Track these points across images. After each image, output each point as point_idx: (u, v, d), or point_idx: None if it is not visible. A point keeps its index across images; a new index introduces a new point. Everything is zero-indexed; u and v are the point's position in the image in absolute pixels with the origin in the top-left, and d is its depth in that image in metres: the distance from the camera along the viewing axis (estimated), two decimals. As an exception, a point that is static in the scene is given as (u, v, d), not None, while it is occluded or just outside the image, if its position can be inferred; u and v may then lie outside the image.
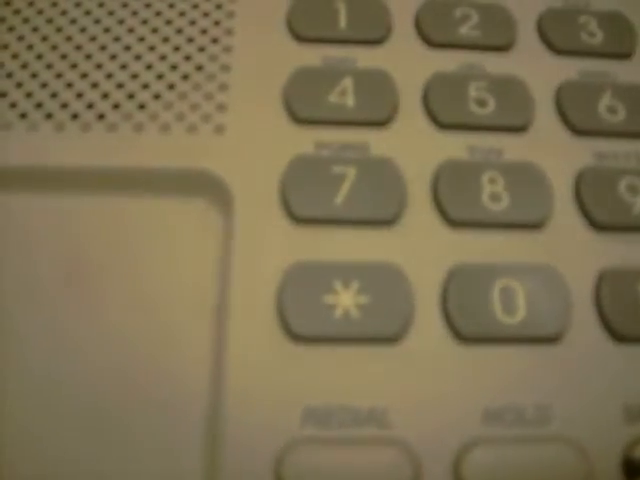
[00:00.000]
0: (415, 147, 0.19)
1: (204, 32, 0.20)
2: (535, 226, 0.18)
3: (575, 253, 0.18)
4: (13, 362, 0.16)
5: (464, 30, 0.20)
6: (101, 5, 0.20)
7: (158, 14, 0.20)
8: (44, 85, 0.19)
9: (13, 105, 0.19)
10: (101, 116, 0.18)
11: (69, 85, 0.19)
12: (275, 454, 0.15)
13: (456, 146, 0.19)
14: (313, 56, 0.20)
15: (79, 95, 0.19)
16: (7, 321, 0.17)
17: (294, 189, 0.18)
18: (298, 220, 0.17)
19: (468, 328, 0.16)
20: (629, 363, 0.17)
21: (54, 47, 0.19)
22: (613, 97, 0.20)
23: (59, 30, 0.20)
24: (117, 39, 0.20)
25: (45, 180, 0.18)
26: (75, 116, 0.18)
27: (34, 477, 0.16)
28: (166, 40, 0.20)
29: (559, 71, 0.20)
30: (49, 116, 0.18)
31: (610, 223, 0.18)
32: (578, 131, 0.19)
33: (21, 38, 0.20)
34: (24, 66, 0.19)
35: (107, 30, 0.20)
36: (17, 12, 0.20)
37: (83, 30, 0.20)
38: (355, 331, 0.16)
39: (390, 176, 0.18)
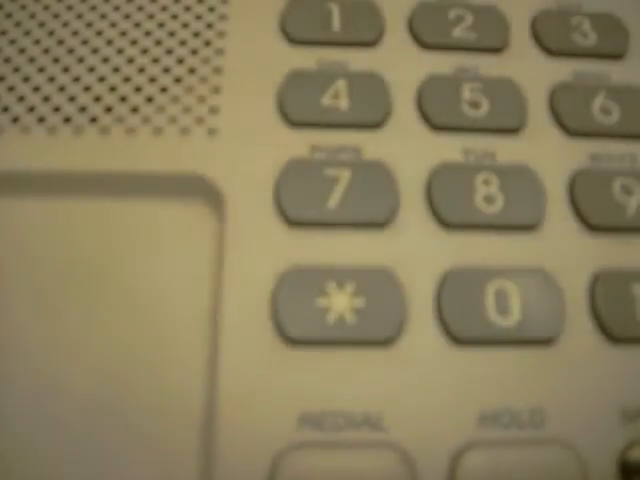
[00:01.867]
0: (409, 149, 0.19)
1: (197, 35, 0.20)
2: (529, 228, 0.18)
3: (569, 255, 0.18)
4: (8, 365, 0.16)
5: (458, 32, 0.20)
6: (93, 8, 0.20)
7: (150, 17, 0.20)
8: (36, 89, 0.19)
9: (5, 109, 0.18)
10: (93, 119, 0.18)
11: (61, 88, 0.19)
12: (270, 458, 0.15)
13: (450, 148, 0.19)
14: (306, 59, 0.20)
15: (71, 98, 0.19)
16: (4, 323, 0.17)
17: (287, 192, 0.18)
18: (292, 223, 0.17)
19: (462, 331, 0.16)
20: (624, 365, 0.17)
21: (46, 50, 0.19)
22: (607, 98, 0.20)
23: (51, 33, 0.20)
24: (109, 42, 0.20)
25: (37, 184, 0.18)
26: (67, 119, 0.18)
27: (29, 474, 0.16)
28: (159, 43, 0.20)
29: (553, 72, 0.20)
30: (41, 120, 0.18)
31: (604, 225, 0.18)
32: (572, 132, 0.19)
33: (13, 41, 0.20)
34: (16, 70, 0.19)
35: (99, 33, 0.20)
36: (9, 15, 0.20)
37: (75, 33, 0.20)
38: (349, 334, 0.16)
39: (384, 178, 0.18)
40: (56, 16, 0.20)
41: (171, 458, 0.16)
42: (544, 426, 0.16)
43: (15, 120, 0.18)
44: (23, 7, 0.20)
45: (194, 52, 0.19)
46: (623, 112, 0.20)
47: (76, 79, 0.19)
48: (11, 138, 0.18)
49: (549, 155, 0.19)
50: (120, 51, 0.19)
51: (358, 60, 0.20)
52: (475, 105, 0.19)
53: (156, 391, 0.16)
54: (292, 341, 0.16)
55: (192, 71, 0.19)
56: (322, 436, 0.15)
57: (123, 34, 0.20)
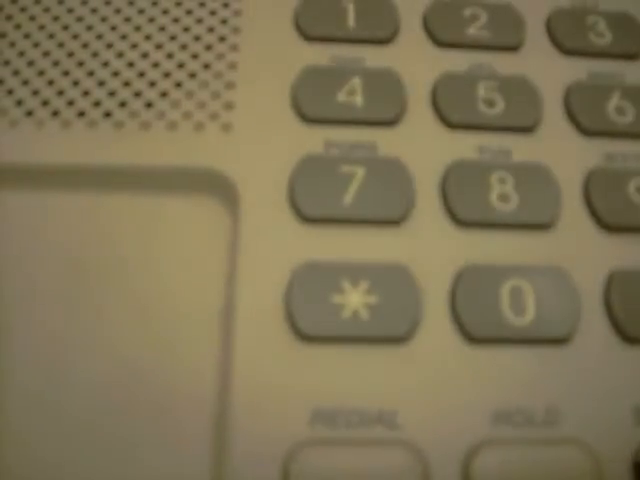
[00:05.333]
0: (424, 147, 0.18)
1: (211, 30, 0.20)
2: (544, 227, 0.18)
3: (584, 254, 0.18)
4: (14, 362, 0.16)
5: (473, 30, 0.20)
6: (108, 3, 0.20)
7: (165, 12, 0.20)
8: (50, 83, 0.19)
9: (19, 103, 0.18)
10: (108, 114, 0.18)
11: (75, 83, 0.19)
12: (283, 454, 0.15)
13: (465, 146, 0.19)
14: (321, 55, 0.20)
15: (85, 93, 0.19)
16: (6, 321, 0.17)
17: (302, 188, 0.17)
18: (306, 219, 0.17)
19: (477, 329, 0.16)
20: (639, 365, 0.17)
21: (60, 45, 0.19)
22: (622, 98, 0.20)
23: (66, 28, 0.20)
24: (124, 37, 0.20)
25: (51, 178, 0.18)
26: (81, 114, 0.18)
27: (38, 468, 0.16)
28: (173, 38, 0.20)
29: (568, 71, 0.20)
30: (55, 113, 0.18)
31: (619, 224, 0.18)
32: (587, 132, 0.19)
33: (27, 36, 0.20)
34: (30, 64, 0.19)
35: (114, 28, 0.20)
36: (24, 10, 0.20)
37: (90, 28, 0.20)
38: (364, 331, 0.16)
39: (399, 176, 0.18)
40: (70, 10, 0.20)
41: (183, 454, 0.16)
42: (558, 425, 0.16)
43: (29, 114, 0.18)
44: (37, 1, 0.20)
45: (208, 48, 0.19)
46: (638, 112, 0.19)
47: (90, 73, 0.19)
48: (25, 131, 0.18)
49: (564, 154, 0.19)
50: (134, 46, 0.19)
51: (373, 57, 0.20)
52: (490, 103, 0.19)
53: (168, 386, 0.16)
54: (306, 338, 0.16)
55: (207, 66, 0.19)
56: (335, 433, 0.15)
57: (137, 29, 0.20)
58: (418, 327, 0.16)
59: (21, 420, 0.16)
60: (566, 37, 0.21)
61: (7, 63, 0.19)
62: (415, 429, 0.16)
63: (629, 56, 0.21)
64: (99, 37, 0.20)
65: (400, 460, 0.15)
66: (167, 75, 0.19)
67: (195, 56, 0.19)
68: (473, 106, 0.19)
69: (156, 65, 0.19)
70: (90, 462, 0.16)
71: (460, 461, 0.15)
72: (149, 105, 0.19)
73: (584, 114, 0.19)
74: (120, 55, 0.19)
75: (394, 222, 0.17)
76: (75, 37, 0.20)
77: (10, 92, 0.19)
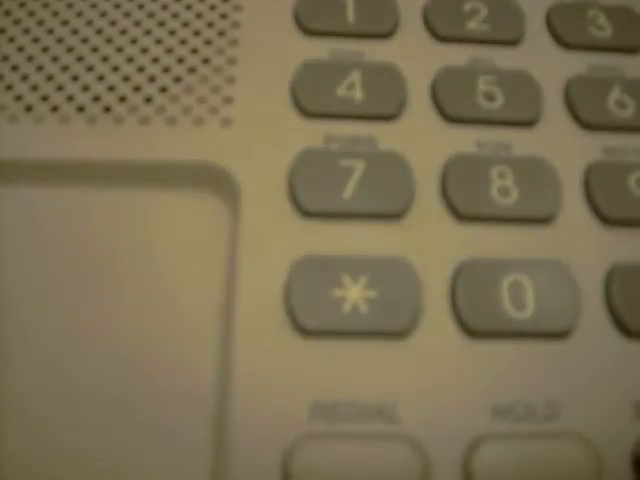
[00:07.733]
0: (423, 141, 0.18)
1: (211, 25, 0.20)
2: (544, 221, 0.18)
3: (585, 248, 0.18)
4: (12, 360, 0.16)
5: (473, 24, 0.20)
6: (107, -2, 0.20)
7: (164, 7, 0.20)
8: (50, 78, 0.19)
9: (18, 98, 0.18)
10: (107, 109, 0.18)
11: (75, 78, 0.19)
12: (283, 448, 0.15)
13: (465, 140, 0.19)
14: (321, 49, 0.20)
15: (85, 88, 0.19)
16: (15, 313, 0.17)
17: (302, 182, 0.17)
18: (306, 214, 0.17)
19: (477, 323, 0.16)
20: (639, 358, 0.16)
21: (60, 40, 0.19)
22: (622, 92, 0.20)
23: (65, 23, 0.20)
24: (123, 32, 0.20)
25: (51, 173, 0.18)
26: (81, 109, 0.18)
27: (38, 468, 0.16)
28: (172, 33, 0.20)
29: (568, 65, 0.20)
30: (55, 109, 0.18)
31: (620, 218, 0.18)
32: (587, 125, 0.19)
33: (27, 31, 0.20)
34: (29, 59, 0.19)
35: (113, 23, 0.20)
36: (22, 5, 0.20)
37: (89, 23, 0.20)
38: (363, 325, 0.16)
39: (398, 170, 0.18)
40: (70, 5, 0.20)
41: (183, 449, 0.16)
42: (558, 419, 0.16)
43: (28, 109, 0.18)
44: (36, -4, 0.20)
45: (208, 42, 0.19)
46: (638, 106, 0.19)
47: (90, 68, 0.19)
48: (25, 127, 0.18)
49: (564, 148, 0.19)
50: (134, 41, 0.19)
51: (373, 51, 0.20)
52: (490, 97, 0.19)
53: (169, 380, 0.16)
54: (306, 332, 0.16)
55: (206, 61, 0.19)
56: (335, 427, 0.15)
57: (137, 24, 0.20)
58: (418, 321, 0.16)
59: (20, 419, 0.16)
60: (566, 31, 0.21)
61: (6, 58, 0.19)
62: (415, 423, 0.16)
63: (629, 50, 0.21)
64: (98, 32, 0.20)
65: (400, 454, 0.15)
66: (167, 70, 0.19)
67: (195, 51, 0.19)
68: (473, 100, 0.19)
69: (156, 60, 0.19)
70: (89, 460, 0.16)
71: (460, 455, 0.15)
72: (149, 100, 0.19)
73: (584, 108, 0.19)
74: (119, 50, 0.19)
75: (394, 216, 0.17)
76: (74, 32, 0.20)
77: (9, 87, 0.19)
